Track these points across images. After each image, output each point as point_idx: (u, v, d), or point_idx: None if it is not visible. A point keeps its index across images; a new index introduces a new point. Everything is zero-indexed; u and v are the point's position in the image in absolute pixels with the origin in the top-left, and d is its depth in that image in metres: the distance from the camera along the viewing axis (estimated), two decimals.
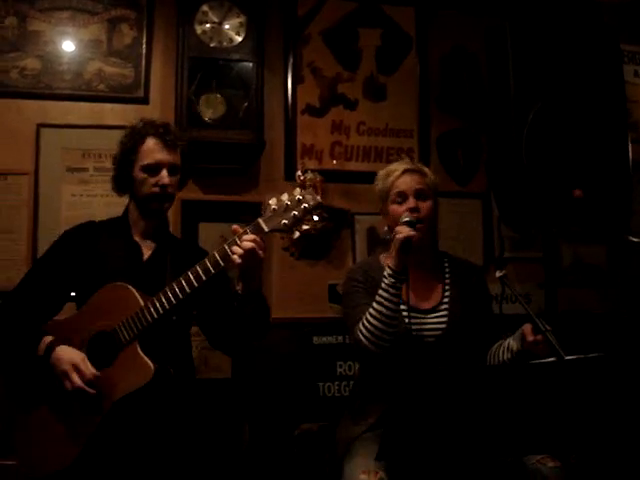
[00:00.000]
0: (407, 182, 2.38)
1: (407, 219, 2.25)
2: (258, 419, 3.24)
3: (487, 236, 3.74)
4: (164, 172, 2.29)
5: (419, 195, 2.37)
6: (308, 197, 2.00)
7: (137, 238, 2.37)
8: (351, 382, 3.32)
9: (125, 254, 2.32)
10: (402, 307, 2.28)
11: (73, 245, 2.34)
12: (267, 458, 3.16)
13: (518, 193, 3.02)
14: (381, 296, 2.19)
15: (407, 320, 2.29)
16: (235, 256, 2.02)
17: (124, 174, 2.34)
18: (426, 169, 2.48)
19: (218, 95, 3.28)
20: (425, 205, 2.36)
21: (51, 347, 2.12)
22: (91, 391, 2.06)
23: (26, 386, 2.19)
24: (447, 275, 2.48)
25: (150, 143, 2.30)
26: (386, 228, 2.45)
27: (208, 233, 3.33)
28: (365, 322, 2.19)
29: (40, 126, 3.24)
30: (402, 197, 2.38)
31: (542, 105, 3.01)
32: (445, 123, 3.77)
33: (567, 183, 2.99)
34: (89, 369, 2.08)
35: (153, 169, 2.29)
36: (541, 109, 3.01)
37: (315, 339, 3.42)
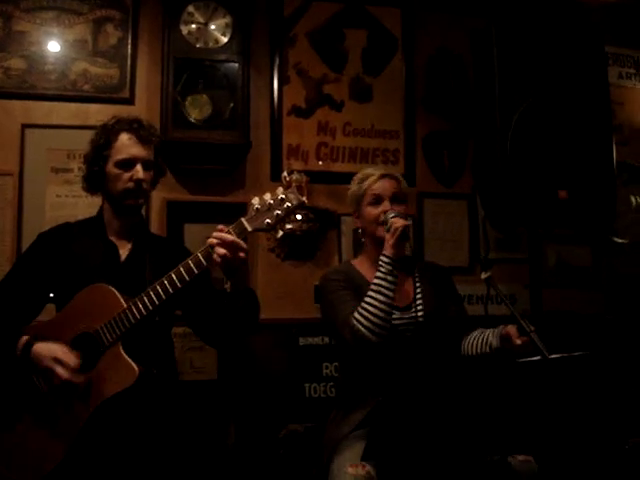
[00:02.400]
0: (384, 186, 2.49)
1: (394, 213, 2.36)
2: (244, 420, 3.24)
3: (473, 237, 3.75)
4: (138, 167, 2.28)
5: (394, 199, 2.47)
6: (291, 196, 2.00)
7: (113, 238, 2.36)
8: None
9: (102, 255, 2.31)
10: None
11: (48, 247, 2.32)
12: (253, 459, 3.16)
13: (503, 194, 3.02)
14: (379, 285, 2.27)
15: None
16: (216, 255, 2.02)
17: (96, 172, 2.32)
18: (400, 176, 2.58)
19: (204, 96, 3.27)
20: (400, 209, 2.44)
21: (29, 345, 2.09)
22: (79, 382, 2.04)
23: (5, 391, 2.16)
24: (417, 274, 2.57)
25: (124, 138, 2.29)
26: (360, 230, 2.57)
27: (193, 234, 3.32)
28: (363, 312, 2.24)
29: (25, 126, 3.22)
30: (377, 200, 2.48)
31: (527, 106, 3.02)
32: (431, 124, 3.78)
33: (552, 184, 3.00)
34: (72, 359, 2.05)
35: (127, 164, 2.28)
36: (526, 110, 3.01)
37: (301, 340, 3.42)
